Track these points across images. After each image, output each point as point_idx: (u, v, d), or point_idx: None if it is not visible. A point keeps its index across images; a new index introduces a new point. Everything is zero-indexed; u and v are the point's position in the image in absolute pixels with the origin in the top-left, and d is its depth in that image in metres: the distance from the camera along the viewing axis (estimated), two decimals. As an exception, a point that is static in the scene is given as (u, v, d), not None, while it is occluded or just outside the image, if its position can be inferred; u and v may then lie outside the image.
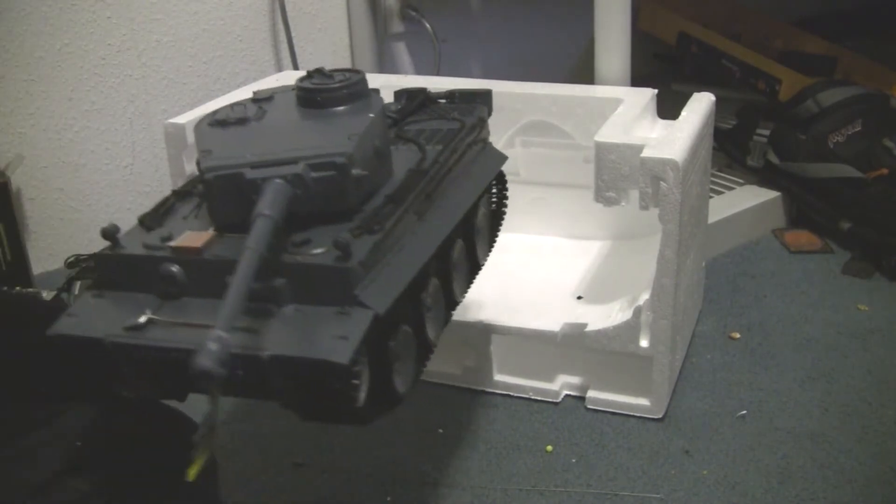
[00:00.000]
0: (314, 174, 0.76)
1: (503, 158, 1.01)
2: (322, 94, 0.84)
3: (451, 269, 0.89)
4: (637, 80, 1.35)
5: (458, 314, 1.11)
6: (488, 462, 1.04)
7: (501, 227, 1.05)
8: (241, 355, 0.67)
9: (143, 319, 0.72)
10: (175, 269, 0.74)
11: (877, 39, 2.14)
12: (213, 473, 0.87)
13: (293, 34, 1.69)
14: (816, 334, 1.28)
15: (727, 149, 1.71)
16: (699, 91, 1.23)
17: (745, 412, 1.11)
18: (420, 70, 1.89)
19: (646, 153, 1.02)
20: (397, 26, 1.83)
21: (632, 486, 0.99)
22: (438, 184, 0.87)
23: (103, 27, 1.50)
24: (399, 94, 1.02)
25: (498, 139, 1.36)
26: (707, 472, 1.01)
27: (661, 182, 1.01)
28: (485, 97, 1.01)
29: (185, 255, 0.75)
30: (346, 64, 1.81)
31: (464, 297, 0.92)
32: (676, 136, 1.06)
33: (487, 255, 0.99)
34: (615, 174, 1.06)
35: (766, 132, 1.62)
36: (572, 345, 1.11)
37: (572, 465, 1.04)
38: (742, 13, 2.16)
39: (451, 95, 1.01)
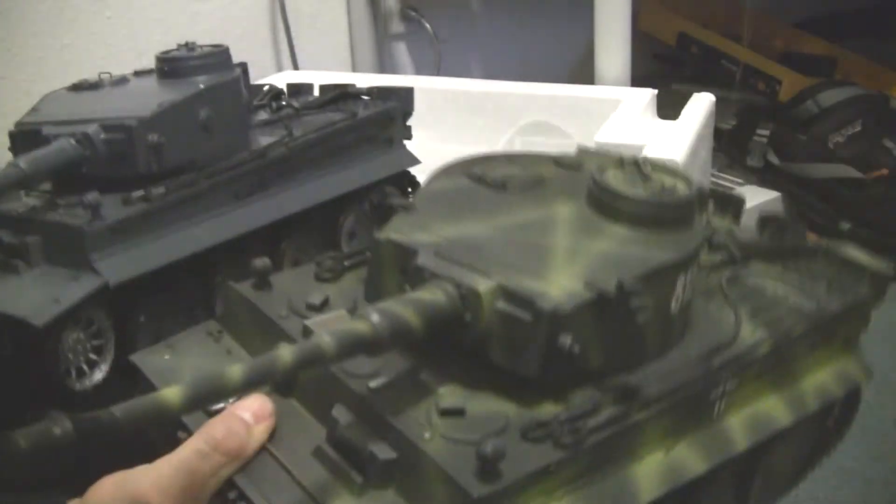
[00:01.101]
0: (104, 136, 0.74)
1: (411, 160, 0.94)
2: (169, 63, 0.82)
3: (282, 263, 0.83)
4: (637, 80, 1.34)
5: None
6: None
7: None
8: None
9: None
10: None
11: (877, 39, 2.14)
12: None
13: (293, 34, 1.69)
14: (816, 334, 1.27)
15: (727, 149, 1.71)
16: (699, 91, 1.23)
17: (744, 412, 1.11)
18: (420, 70, 1.89)
19: (646, 153, 1.02)
20: (397, 26, 1.83)
21: (632, 487, 0.99)
22: (285, 170, 0.80)
23: (103, 27, 1.50)
24: (325, 88, 0.98)
25: (498, 139, 1.36)
26: (707, 473, 1.01)
27: (661, 182, 1.01)
28: (403, 95, 0.94)
29: None
30: (347, 65, 1.80)
31: None
32: (676, 136, 1.06)
33: None
34: (615, 174, 1.06)
35: (766, 132, 1.62)
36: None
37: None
38: (742, 13, 2.16)
39: (371, 91, 0.95)
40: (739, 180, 1.65)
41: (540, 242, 0.52)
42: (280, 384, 0.53)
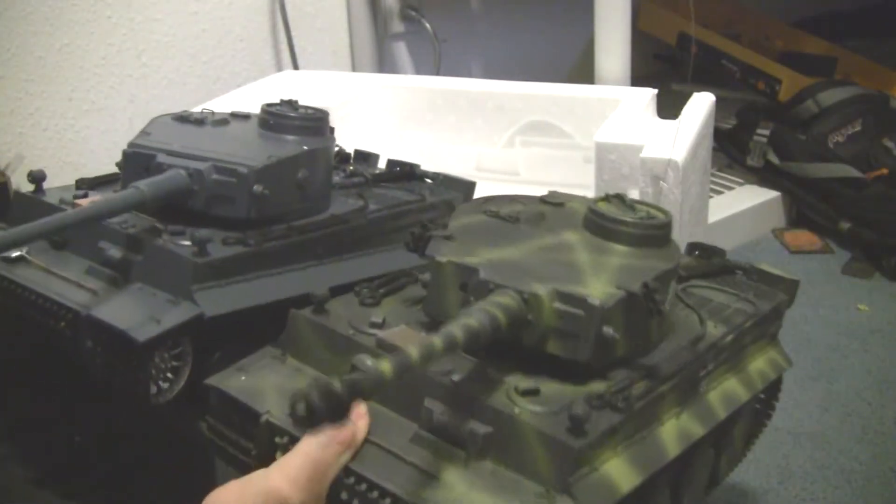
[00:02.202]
0: (216, 176, 0.79)
1: None
2: (275, 118, 0.87)
3: None
4: (637, 80, 1.35)
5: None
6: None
7: None
8: (65, 306, 0.72)
9: (15, 254, 0.79)
10: None
11: (877, 39, 2.14)
12: (211, 469, 0.87)
13: (293, 34, 1.69)
14: (816, 334, 1.28)
15: (727, 149, 1.71)
16: (699, 91, 1.23)
17: (745, 412, 1.11)
18: (420, 70, 1.89)
19: (646, 153, 1.02)
20: (397, 26, 1.83)
21: (632, 486, 0.99)
22: (360, 238, 0.86)
23: (103, 27, 1.50)
24: (391, 163, 1.03)
25: (498, 139, 1.37)
26: (707, 472, 1.01)
27: (661, 182, 1.01)
28: (466, 187, 1.01)
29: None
30: (347, 65, 1.81)
31: None
32: (676, 136, 1.06)
33: None
34: (615, 174, 1.06)
35: (766, 132, 1.62)
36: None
37: (572, 465, 1.03)
38: (742, 13, 2.17)
39: (436, 176, 1.02)
40: (739, 180, 1.65)
41: (566, 260, 0.64)
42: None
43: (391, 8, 1.81)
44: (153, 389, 0.72)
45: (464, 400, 0.57)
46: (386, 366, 0.50)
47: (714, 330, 0.70)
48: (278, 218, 0.82)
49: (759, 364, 0.76)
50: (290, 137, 0.86)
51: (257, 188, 0.79)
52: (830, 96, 1.65)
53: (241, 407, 0.63)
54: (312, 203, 0.87)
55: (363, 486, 0.56)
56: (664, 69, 2.13)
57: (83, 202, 0.81)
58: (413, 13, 1.82)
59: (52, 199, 0.85)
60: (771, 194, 1.60)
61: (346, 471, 0.56)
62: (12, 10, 1.41)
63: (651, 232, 0.66)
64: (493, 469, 0.55)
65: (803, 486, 0.99)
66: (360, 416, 0.58)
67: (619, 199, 0.69)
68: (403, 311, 0.69)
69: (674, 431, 0.62)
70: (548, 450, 0.54)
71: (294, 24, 1.69)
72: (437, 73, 1.80)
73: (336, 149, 1.02)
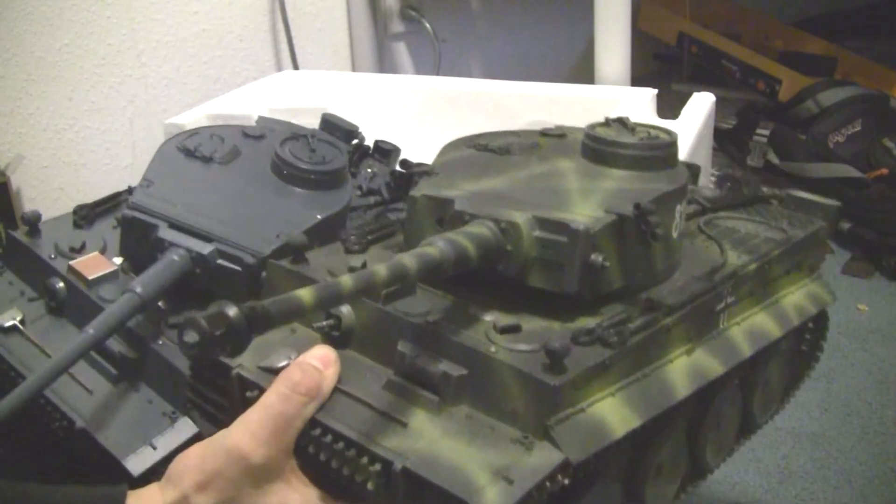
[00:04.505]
0: (221, 261, 0.72)
1: None
2: (288, 168, 0.79)
3: None
4: (637, 80, 1.34)
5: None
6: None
7: None
8: (59, 409, 0.70)
9: (9, 323, 0.74)
10: (60, 286, 0.74)
11: (877, 39, 2.14)
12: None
13: (293, 34, 1.69)
14: (816, 334, 1.28)
15: (727, 149, 1.71)
16: (699, 91, 1.23)
17: (745, 412, 1.11)
18: (420, 70, 1.89)
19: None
20: (397, 26, 1.83)
21: (632, 486, 0.99)
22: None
23: (103, 27, 1.50)
24: (405, 164, 0.97)
25: (498, 139, 1.36)
26: (707, 472, 1.01)
27: (661, 182, 1.01)
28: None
29: (74, 278, 0.74)
30: (347, 65, 1.80)
31: None
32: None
33: None
34: (615, 174, 1.05)
35: (766, 132, 1.62)
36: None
37: (572, 465, 1.03)
38: (742, 13, 2.17)
39: None
40: (739, 180, 1.65)
41: (554, 187, 0.58)
42: (337, 339, 0.56)
43: (391, 8, 1.81)
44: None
45: (438, 341, 0.52)
46: (306, 293, 0.45)
47: (737, 259, 0.62)
48: None
49: (796, 298, 0.68)
50: (304, 192, 0.78)
51: (263, 274, 0.71)
52: (830, 96, 1.65)
53: (215, 361, 0.58)
54: None
55: (329, 438, 0.51)
56: (664, 69, 2.14)
57: (77, 264, 0.76)
58: (413, 13, 1.82)
59: (46, 245, 0.79)
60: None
61: (313, 422, 0.52)
62: (12, 10, 1.41)
63: (651, 153, 0.59)
64: (468, 414, 0.50)
65: (803, 486, 0.99)
66: (328, 364, 0.54)
67: (621, 122, 0.63)
68: (387, 257, 0.61)
69: (684, 369, 0.56)
70: (525, 390, 0.49)
71: (294, 24, 1.69)
72: (437, 73, 1.80)
73: (355, 141, 0.95)
